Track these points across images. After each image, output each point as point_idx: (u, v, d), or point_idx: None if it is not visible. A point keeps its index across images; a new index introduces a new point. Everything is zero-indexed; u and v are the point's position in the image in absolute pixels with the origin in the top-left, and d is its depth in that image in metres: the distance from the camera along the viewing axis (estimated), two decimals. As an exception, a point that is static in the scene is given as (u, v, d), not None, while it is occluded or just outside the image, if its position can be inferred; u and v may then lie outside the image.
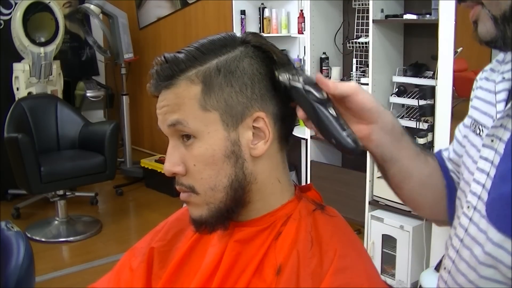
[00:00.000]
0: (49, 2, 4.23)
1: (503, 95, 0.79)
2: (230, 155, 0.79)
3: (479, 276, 0.78)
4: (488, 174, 0.79)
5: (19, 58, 4.22)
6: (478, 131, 0.84)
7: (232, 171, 0.79)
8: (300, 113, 0.79)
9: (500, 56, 0.87)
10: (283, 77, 0.79)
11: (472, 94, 0.91)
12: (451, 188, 0.94)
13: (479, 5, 0.76)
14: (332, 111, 0.76)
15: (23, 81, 4.17)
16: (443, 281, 0.87)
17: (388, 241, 2.91)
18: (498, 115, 0.78)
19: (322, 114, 0.76)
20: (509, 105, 0.77)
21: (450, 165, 0.96)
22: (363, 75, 3.16)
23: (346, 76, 3.35)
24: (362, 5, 3.20)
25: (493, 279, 0.76)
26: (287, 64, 0.81)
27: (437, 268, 2.43)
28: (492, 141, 0.78)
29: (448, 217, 0.94)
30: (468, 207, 0.82)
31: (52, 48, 4.21)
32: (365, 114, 0.80)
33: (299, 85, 0.77)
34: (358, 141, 0.76)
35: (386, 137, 0.83)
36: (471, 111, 0.89)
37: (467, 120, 0.91)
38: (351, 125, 0.79)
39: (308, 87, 0.76)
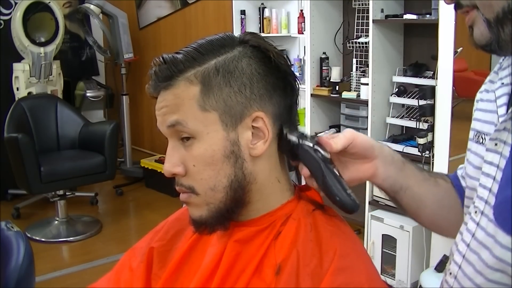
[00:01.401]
0: (49, 2, 4.23)
1: (503, 100, 0.79)
2: (230, 155, 0.79)
3: (486, 280, 0.78)
4: (494, 178, 0.78)
5: (19, 58, 4.22)
6: (481, 141, 0.85)
7: (232, 171, 0.79)
8: (304, 171, 0.82)
9: (497, 67, 0.87)
10: (292, 135, 0.82)
11: (474, 107, 0.92)
12: None
13: (474, 9, 0.76)
14: (335, 171, 0.80)
15: (23, 81, 4.17)
16: (448, 286, 0.87)
17: (388, 241, 2.91)
18: (501, 119, 0.78)
19: (327, 173, 0.80)
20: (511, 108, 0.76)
21: (463, 182, 0.96)
22: (363, 75, 3.16)
23: (346, 76, 3.36)
24: (362, 5, 3.20)
25: (500, 282, 0.76)
26: (294, 125, 0.84)
27: (437, 268, 2.43)
28: (496, 144, 0.78)
29: None
30: (476, 212, 0.81)
31: (52, 48, 4.21)
32: (368, 152, 0.85)
33: (309, 143, 0.80)
34: (357, 201, 0.80)
35: (389, 169, 0.87)
36: (473, 124, 0.90)
37: (471, 134, 0.92)
38: (358, 167, 0.85)
39: (316, 146, 0.80)
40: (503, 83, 0.81)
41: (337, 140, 0.81)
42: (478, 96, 0.91)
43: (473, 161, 0.85)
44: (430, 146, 2.69)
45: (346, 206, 0.79)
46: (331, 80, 3.31)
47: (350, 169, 0.85)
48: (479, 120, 0.87)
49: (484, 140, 0.84)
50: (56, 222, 3.91)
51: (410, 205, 0.91)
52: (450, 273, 0.87)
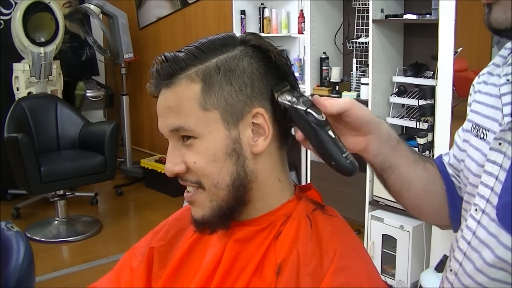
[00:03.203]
0: (49, 2, 4.23)
1: (508, 98, 0.79)
2: (232, 153, 0.79)
3: (489, 278, 0.78)
4: (496, 178, 0.78)
5: (19, 58, 4.22)
6: (482, 135, 0.84)
7: (234, 169, 0.79)
8: (298, 134, 0.80)
9: (497, 59, 0.86)
10: (283, 99, 0.79)
11: (470, 98, 0.91)
12: (451, 192, 0.94)
13: None
14: (331, 133, 0.77)
15: (23, 81, 4.17)
16: (449, 283, 0.87)
17: (388, 241, 2.91)
18: (506, 118, 0.77)
19: (322, 137, 0.77)
20: None
21: (450, 170, 0.96)
22: (363, 75, 3.16)
23: (346, 76, 3.35)
24: (362, 5, 3.20)
25: (503, 281, 0.77)
26: (286, 83, 0.82)
27: (437, 268, 2.43)
28: (500, 144, 0.78)
29: (450, 221, 0.94)
30: (476, 210, 0.81)
31: (52, 48, 4.21)
32: (363, 126, 0.82)
33: (301, 107, 0.78)
34: (355, 163, 0.78)
35: (383, 146, 0.85)
36: (471, 115, 0.89)
37: (466, 125, 0.91)
38: (349, 138, 0.82)
39: (309, 110, 0.77)
40: (508, 80, 0.80)
41: (334, 103, 0.79)
42: (476, 87, 0.89)
43: (475, 158, 0.84)
44: (430, 146, 2.69)
45: (343, 169, 0.76)
46: (331, 80, 3.31)
47: (342, 138, 0.82)
48: (478, 113, 0.86)
49: (485, 136, 0.83)
50: (56, 222, 3.91)
51: (396, 185, 0.90)
52: (451, 270, 0.87)
